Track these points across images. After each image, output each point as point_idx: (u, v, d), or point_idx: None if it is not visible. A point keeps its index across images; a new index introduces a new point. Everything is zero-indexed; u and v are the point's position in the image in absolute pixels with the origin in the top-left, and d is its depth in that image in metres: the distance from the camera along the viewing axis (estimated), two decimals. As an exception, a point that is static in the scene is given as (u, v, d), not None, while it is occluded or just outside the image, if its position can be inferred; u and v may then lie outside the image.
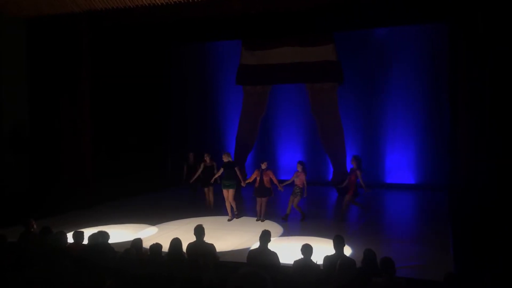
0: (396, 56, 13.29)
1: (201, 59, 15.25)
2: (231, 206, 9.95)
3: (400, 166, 13.53)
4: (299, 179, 9.53)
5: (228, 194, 9.81)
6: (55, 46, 11.21)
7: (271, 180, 9.54)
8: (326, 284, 4.92)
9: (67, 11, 9.91)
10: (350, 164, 10.05)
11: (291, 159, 14.43)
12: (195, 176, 10.61)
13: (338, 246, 5.59)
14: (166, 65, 14.84)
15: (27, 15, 10.50)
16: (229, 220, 9.87)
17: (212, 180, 10.21)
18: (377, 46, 13.48)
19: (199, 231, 6.17)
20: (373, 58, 13.52)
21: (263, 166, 9.63)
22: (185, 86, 15.39)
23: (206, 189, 10.73)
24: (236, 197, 10.07)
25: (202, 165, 10.54)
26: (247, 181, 9.87)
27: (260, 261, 5.57)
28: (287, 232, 8.84)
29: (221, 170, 9.92)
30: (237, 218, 9.98)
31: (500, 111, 8.90)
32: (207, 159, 10.53)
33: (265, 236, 5.94)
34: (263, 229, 6.17)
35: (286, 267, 5.77)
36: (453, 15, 9.97)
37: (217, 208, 10.83)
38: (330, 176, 13.59)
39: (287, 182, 9.76)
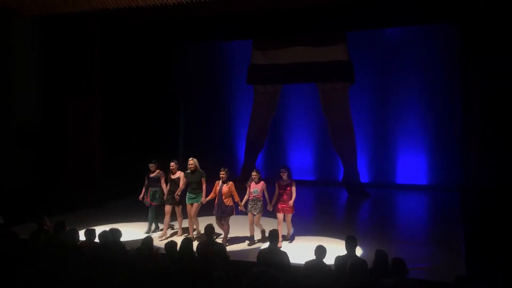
0: (408, 56, 13.19)
1: (210, 58, 15.26)
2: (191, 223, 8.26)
3: (412, 166, 13.42)
4: (259, 191, 7.88)
5: (192, 209, 8.16)
6: (67, 44, 11.32)
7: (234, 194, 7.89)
8: (337, 285, 4.89)
9: (80, 10, 9.98)
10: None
11: (301, 159, 14.41)
12: (165, 193, 8.50)
13: (350, 247, 5.57)
14: (175, 65, 14.86)
15: (40, 13, 10.59)
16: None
17: (177, 196, 8.23)
18: (389, 46, 13.39)
19: (209, 230, 6.20)
20: (385, 58, 13.43)
21: (222, 176, 7.83)
22: (194, 85, 15.41)
23: (167, 208, 8.46)
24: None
25: (168, 178, 8.54)
26: (208, 198, 8.07)
27: (270, 260, 5.57)
28: (297, 232, 8.79)
29: (184, 181, 8.25)
30: (193, 239, 7.60)
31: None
32: (174, 168, 8.43)
33: (274, 236, 5.95)
34: (272, 228, 6.18)
35: (296, 267, 5.75)
36: (463, 16, 9.89)
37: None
38: (341, 176, 13.54)
39: (245, 200, 7.91)
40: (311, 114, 14.27)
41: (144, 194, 8.80)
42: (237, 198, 7.88)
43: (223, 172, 7.85)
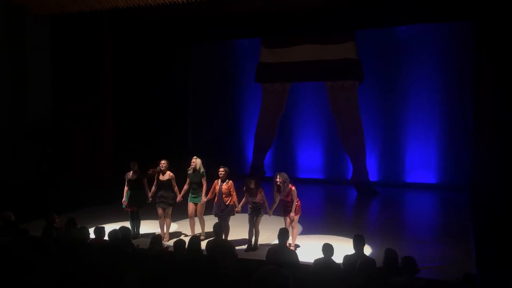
0: (418, 54, 13.08)
1: (219, 57, 15.25)
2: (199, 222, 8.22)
3: (421, 165, 13.33)
4: (258, 197, 7.51)
5: (196, 209, 8.11)
6: (77, 42, 11.38)
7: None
8: (346, 284, 4.88)
9: (90, 9, 10.05)
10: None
11: (310, 157, 14.37)
12: (150, 194, 8.27)
13: (358, 246, 5.56)
14: (184, 63, 14.89)
15: (51, 12, 10.68)
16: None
17: (179, 198, 8.15)
18: (398, 44, 13.29)
19: (218, 228, 6.20)
20: (394, 56, 13.34)
21: (221, 174, 7.60)
22: (202, 84, 15.43)
23: (160, 211, 8.19)
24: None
25: (155, 177, 8.27)
26: (208, 197, 7.94)
27: (279, 259, 5.56)
28: (306, 231, 8.78)
29: (187, 181, 8.10)
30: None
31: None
32: (165, 168, 8.12)
33: (283, 234, 5.95)
34: (281, 227, 6.18)
35: (305, 265, 5.75)
36: (475, 12, 9.79)
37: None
38: (349, 175, 13.49)
39: (243, 202, 7.67)
40: (319, 112, 14.21)
41: (124, 197, 8.39)
42: (235, 198, 7.64)
43: (222, 170, 7.61)
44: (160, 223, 8.32)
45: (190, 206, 8.12)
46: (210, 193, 7.82)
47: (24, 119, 11.11)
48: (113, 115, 11.84)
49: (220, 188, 7.60)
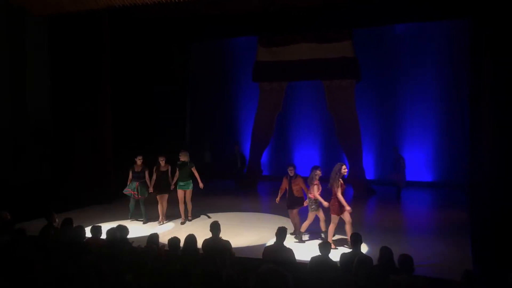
0: (415, 53, 13.10)
1: (216, 56, 15.26)
2: (186, 208, 9.46)
3: (418, 163, 13.35)
4: (314, 192, 8.02)
5: (185, 195, 9.34)
6: (76, 42, 11.39)
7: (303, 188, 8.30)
8: (343, 282, 4.90)
9: (87, 9, 10.06)
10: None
11: (307, 156, 14.39)
12: (152, 184, 9.40)
13: (355, 244, 5.59)
14: (182, 63, 14.90)
15: (50, 12, 10.70)
16: (182, 223, 9.39)
17: (172, 186, 9.34)
18: (395, 43, 13.31)
19: (215, 227, 6.21)
20: (391, 54, 13.35)
21: (290, 171, 8.33)
22: (200, 83, 15.44)
23: (159, 197, 9.45)
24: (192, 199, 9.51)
25: (154, 170, 9.43)
26: (280, 195, 8.49)
27: (276, 257, 5.58)
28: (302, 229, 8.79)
29: (177, 171, 9.31)
30: (189, 220, 9.51)
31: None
32: (162, 162, 9.42)
33: (282, 233, 5.96)
34: (279, 225, 6.19)
35: (302, 264, 5.77)
36: (473, 9, 9.80)
37: (232, 205, 10.86)
38: (347, 174, 13.46)
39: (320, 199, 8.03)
40: (316, 111, 14.22)
41: (128, 187, 9.57)
42: (306, 190, 8.18)
43: (291, 168, 8.31)
44: (159, 208, 9.46)
45: (180, 193, 9.31)
46: (280, 190, 8.44)
47: (24, 119, 11.13)
48: (113, 114, 11.85)
49: (290, 184, 8.27)
